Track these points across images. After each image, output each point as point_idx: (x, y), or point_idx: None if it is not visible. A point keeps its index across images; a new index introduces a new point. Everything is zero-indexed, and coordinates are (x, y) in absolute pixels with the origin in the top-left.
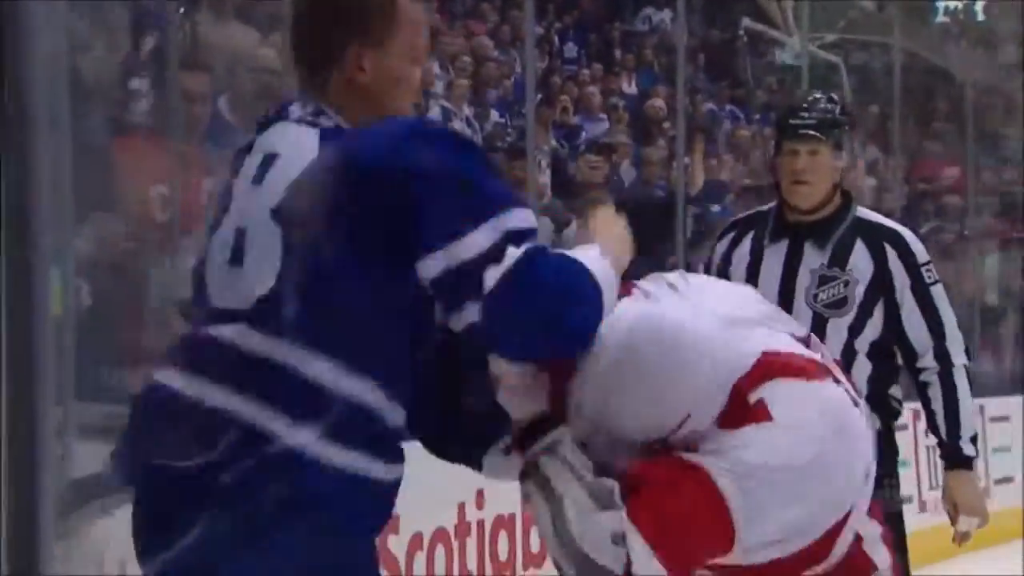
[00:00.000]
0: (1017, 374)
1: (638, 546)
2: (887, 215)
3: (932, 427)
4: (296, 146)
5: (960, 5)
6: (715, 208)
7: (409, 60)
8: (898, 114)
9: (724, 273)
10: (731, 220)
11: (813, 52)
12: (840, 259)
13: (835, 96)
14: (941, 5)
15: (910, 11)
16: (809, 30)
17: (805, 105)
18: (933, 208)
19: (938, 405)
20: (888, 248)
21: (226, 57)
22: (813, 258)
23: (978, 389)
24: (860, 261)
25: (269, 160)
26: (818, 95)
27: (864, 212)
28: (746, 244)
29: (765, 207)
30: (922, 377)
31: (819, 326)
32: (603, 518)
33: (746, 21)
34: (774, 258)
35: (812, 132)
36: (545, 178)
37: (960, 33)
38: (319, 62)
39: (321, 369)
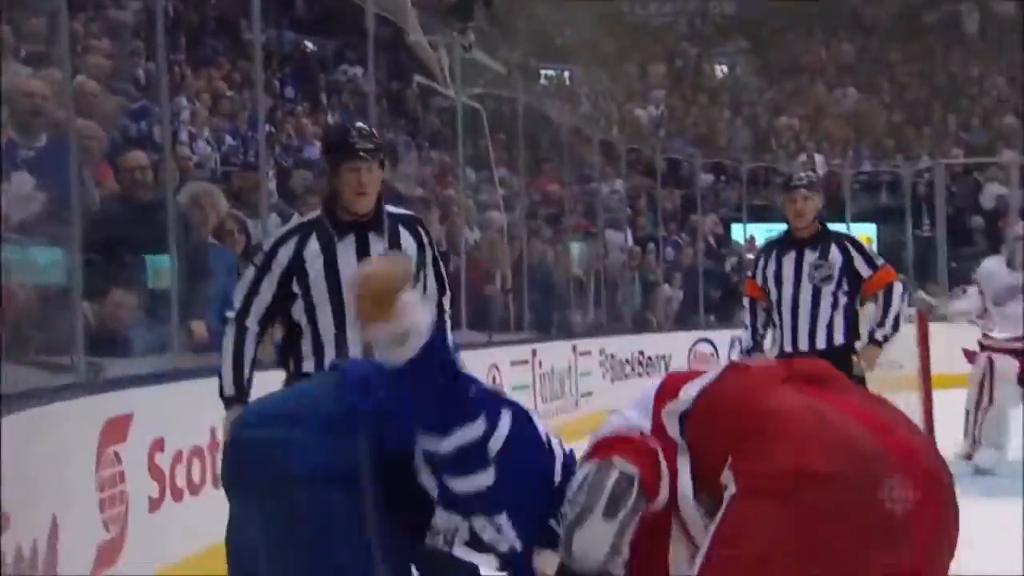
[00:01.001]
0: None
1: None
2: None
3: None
4: None
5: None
6: None
7: None
8: (521, 145)
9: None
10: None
11: (464, 101)
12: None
13: None
14: (543, 72)
15: (527, 75)
16: (461, 84)
17: None
18: (545, 214)
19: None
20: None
21: None
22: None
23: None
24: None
25: None
26: None
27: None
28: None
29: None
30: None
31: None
32: None
33: (417, 77)
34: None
35: None
36: (272, 186)
37: (556, 91)
38: None
39: None
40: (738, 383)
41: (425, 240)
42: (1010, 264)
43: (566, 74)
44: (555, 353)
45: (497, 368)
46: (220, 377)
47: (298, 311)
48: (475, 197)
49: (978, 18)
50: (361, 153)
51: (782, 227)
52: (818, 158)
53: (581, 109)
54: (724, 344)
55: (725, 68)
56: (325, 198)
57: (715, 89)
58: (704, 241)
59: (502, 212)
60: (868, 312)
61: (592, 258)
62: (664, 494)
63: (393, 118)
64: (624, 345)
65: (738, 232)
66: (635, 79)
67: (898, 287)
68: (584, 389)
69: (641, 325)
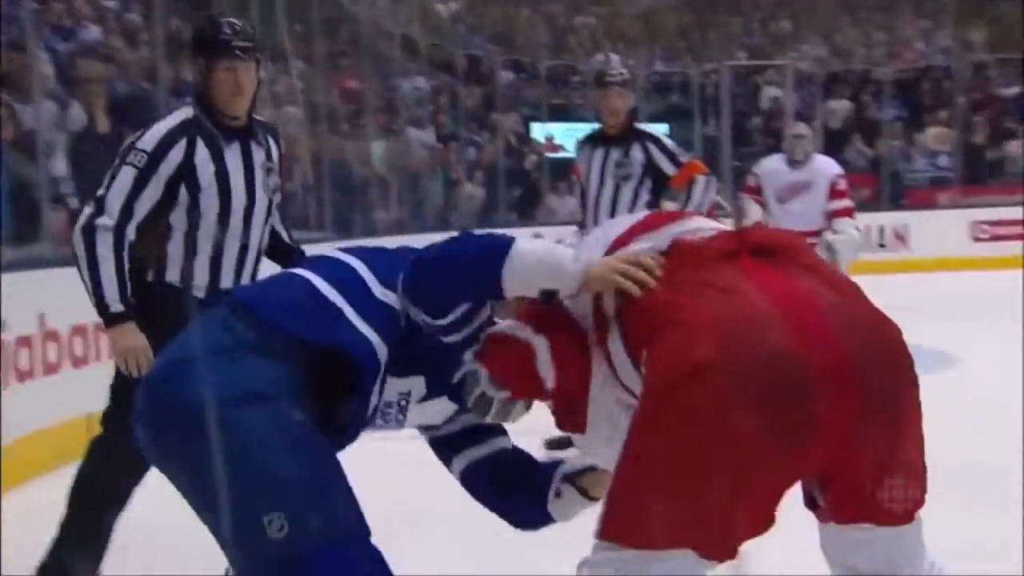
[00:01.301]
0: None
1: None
2: None
3: None
4: None
5: None
6: None
7: None
8: (318, 37)
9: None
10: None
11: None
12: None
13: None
14: None
15: None
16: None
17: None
18: (346, 111)
19: None
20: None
21: None
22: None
23: None
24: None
25: None
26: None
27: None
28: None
29: None
30: None
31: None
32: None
33: None
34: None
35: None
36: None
37: None
38: None
39: None
40: (670, 263)
41: (283, 149)
42: (790, 163)
43: None
44: None
45: None
46: (97, 291)
47: (177, 217)
48: (270, 89)
49: None
50: (237, 51)
51: (580, 126)
52: (614, 58)
53: (379, 1)
54: None
55: None
56: (197, 97)
57: None
58: (504, 140)
59: (300, 106)
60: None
61: (394, 156)
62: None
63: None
64: (426, 242)
65: (538, 131)
66: None
67: (700, 180)
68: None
69: (443, 222)
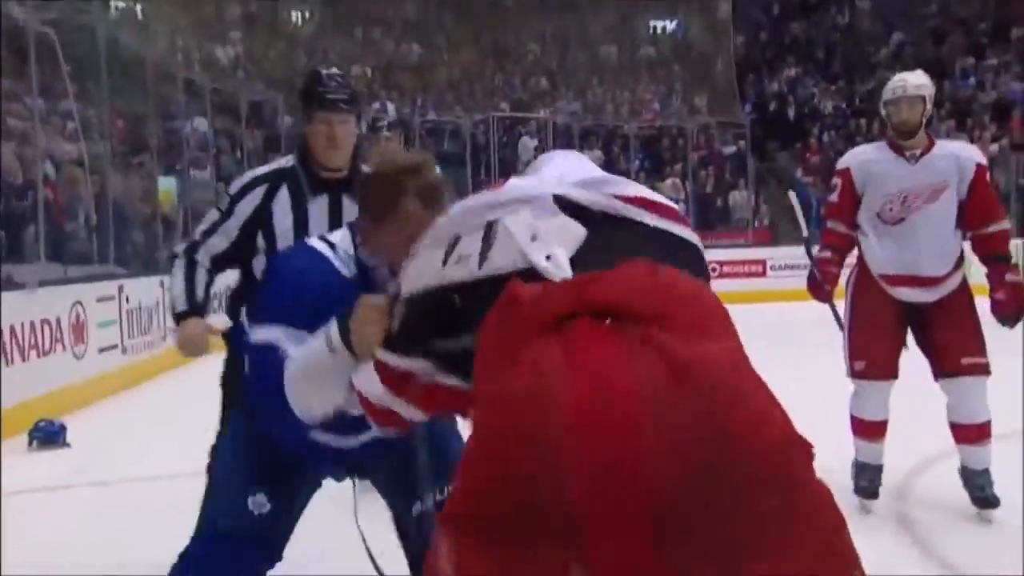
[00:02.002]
0: None
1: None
2: None
3: None
4: None
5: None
6: None
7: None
8: (104, 76)
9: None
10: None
11: (35, 28)
12: None
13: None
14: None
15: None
16: (34, 9)
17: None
18: (128, 148)
19: None
20: None
21: None
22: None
23: None
24: None
25: None
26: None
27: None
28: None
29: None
30: None
31: None
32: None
33: None
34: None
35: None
36: None
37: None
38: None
39: None
40: (499, 313)
41: None
42: None
43: (138, 7)
44: (141, 289)
45: (82, 304)
46: (169, 297)
47: (258, 263)
48: (46, 127)
49: None
50: (338, 104)
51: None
52: (390, 106)
53: (158, 44)
54: None
55: (305, 14)
56: (298, 147)
57: (292, 35)
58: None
59: (81, 144)
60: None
61: (179, 194)
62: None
63: None
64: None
65: None
66: (212, 19)
67: None
68: (170, 323)
69: None
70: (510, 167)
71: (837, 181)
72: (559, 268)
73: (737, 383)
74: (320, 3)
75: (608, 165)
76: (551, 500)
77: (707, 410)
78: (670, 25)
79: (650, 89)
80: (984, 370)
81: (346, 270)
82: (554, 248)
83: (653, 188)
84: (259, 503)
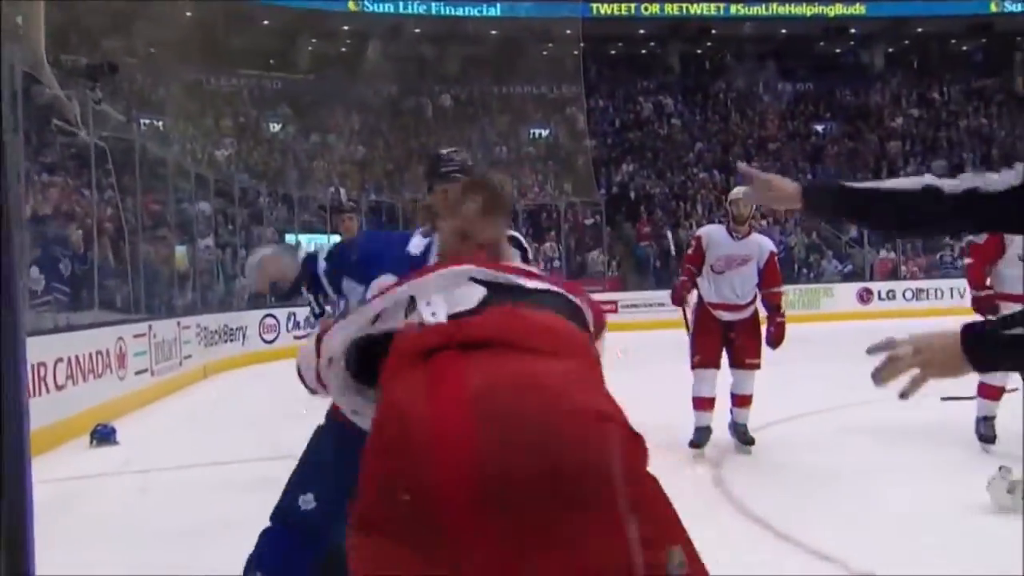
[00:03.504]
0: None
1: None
2: None
3: None
4: None
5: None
6: None
7: None
8: (139, 174)
9: None
10: None
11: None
12: None
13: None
14: (143, 121)
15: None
16: (93, 127)
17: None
18: (152, 224)
19: None
20: None
21: None
22: None
23: None
24: None
25: None
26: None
27: None
28: None
29: None
30: None
31: None
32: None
33: (55, 121)
34: None
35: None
36: None
37: (155, 135)
38: None
39: None
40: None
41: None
42: None
43: (160, 123)
44: (164, 327)
45: (123, 340)
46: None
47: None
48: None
49: (431, 108)
50: (454, 174)
51: (321, 237)
52: (342, 191)
53: (174, 148)
54: (283, 317)
55: (278, 125)
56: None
57: (271, 140)
58: (270, 245)
59: (123, 222)
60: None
61: (190, 257)
62: None
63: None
64: (213, 320)
65: (290, 239)
66: (212, 129)
67: None
68: (185, 353)
69: (225, 305)
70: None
71: (693, 241)
72: (437, 317)
73: (564, 386)
74: (291, 116)
75: None
76: (413, 494)
77: (536, 409)
78: (544, 132)
79: (531, 178)
80: (756, 367)
81: (416, 251)
82: (438, 307)
83: (536, 250)
84: (306, 501)
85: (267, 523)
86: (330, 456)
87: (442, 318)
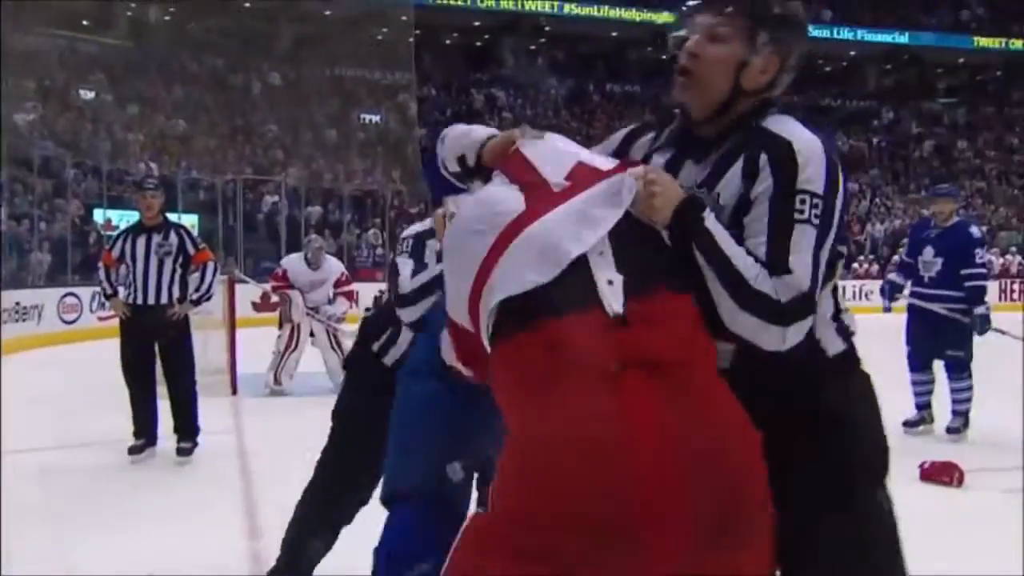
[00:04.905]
0: None
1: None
2: None
3: None
4: None
5: None
6: None
7: None
8: None
9: None
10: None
11: None
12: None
13: None
14: None
15: None
16: None
17: None
18: None
19: None
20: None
21: None
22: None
23: None
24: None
25: None
26: None
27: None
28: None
29: None
30: None
31: None
32: None
33: None
34: None
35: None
36: None
37: None
38: None
39: None
40: (525, 358)
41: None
42: (309, 264)
43: None
44: None
45: None
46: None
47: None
48: None
49: (260, 86)
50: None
51: (133, 213)
52: (153, 165)
53: None
54: (86, 296)
55: (91, 93)
56: None
57: (82, 107)
58: (71, 219)
59: None
60: (193, 279)
61: None
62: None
63: None
64: (5, 297)
65: (99, 215)
66: (13, 90)
67: (211, 265)
68: None
69: (18, 282)
70: (252, 216)
71: None
72: (615, 298)
73: (741, 423)
74: (105, 84)
75: (324, 218)
76: (616, 538)
77: (716, 449)
78: (375, 117)
79: (359, 163)
80: None
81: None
82: (614, 273)
83: (358, 238)
84: (455, 471)
85: (377, 504)
86: (460, 419)
87: (619, 307)
